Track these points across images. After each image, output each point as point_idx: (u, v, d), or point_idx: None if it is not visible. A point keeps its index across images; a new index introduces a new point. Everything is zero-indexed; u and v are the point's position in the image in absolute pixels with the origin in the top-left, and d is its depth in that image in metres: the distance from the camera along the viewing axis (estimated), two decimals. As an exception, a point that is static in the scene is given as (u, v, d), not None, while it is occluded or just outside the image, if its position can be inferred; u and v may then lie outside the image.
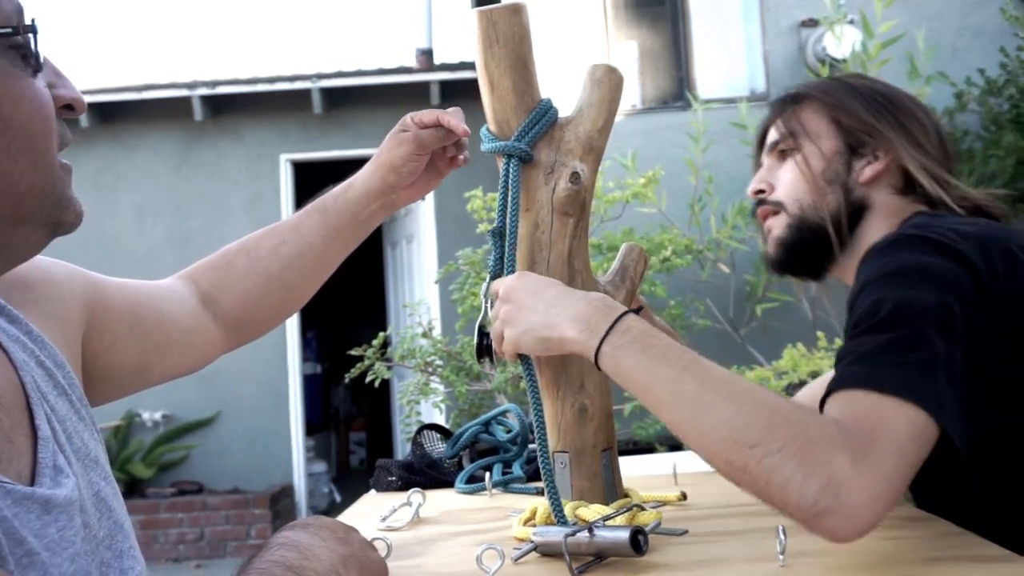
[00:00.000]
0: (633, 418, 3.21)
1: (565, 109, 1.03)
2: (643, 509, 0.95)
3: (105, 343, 0.88)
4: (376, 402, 8.21)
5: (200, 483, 6.02)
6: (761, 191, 1.20)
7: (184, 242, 6.19)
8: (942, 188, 1.10)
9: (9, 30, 0.66)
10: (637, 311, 0.91)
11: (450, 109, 1.07)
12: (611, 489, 0.98)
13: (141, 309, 0.94)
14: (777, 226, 1.18)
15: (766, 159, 1.22)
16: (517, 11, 0.98)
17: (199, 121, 6.23)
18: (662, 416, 0.84)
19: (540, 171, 0.99)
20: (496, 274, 1.00)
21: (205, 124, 6.29)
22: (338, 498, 7.12)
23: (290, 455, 6.18)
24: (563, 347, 0.90)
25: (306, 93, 6.18)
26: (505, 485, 1.29)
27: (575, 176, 0.97)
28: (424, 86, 6.16)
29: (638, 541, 0.81)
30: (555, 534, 0.84)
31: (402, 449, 6.13)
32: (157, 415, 6.06)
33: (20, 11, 0.68)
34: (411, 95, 6.20)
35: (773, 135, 1.20)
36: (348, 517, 1.17)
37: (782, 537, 0.78)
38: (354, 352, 2.86)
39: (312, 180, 6.78)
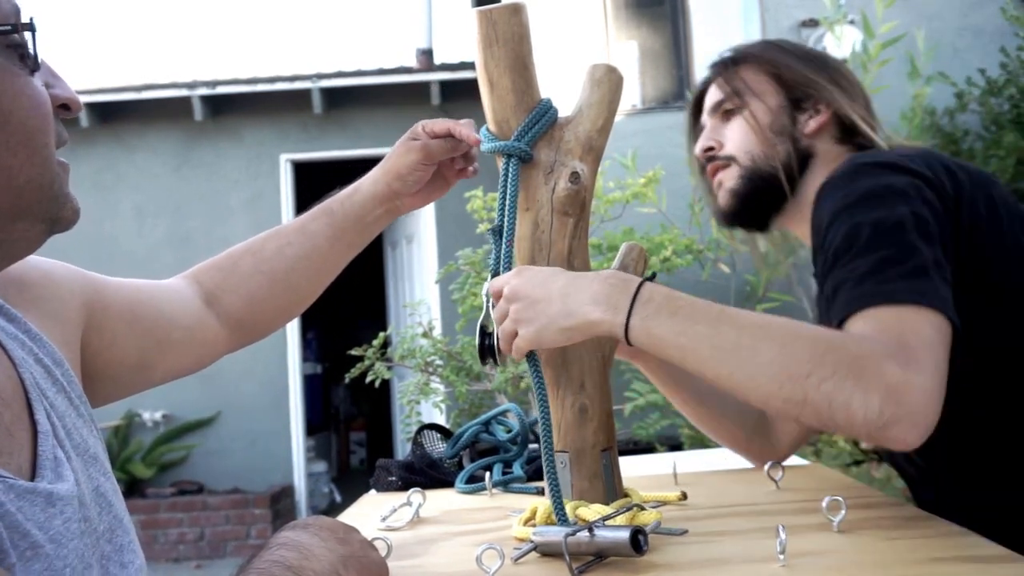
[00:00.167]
0: (633, 418, 3.21)
1: (565, 109, 1.03)
2: (643, 509, 0.95)
3: (105, 341, 0.88)
4: (376, 402, 8.21)
5: (200, 483, 6.02)
6: (710, 148, 1.24)
7: (184, 242, 6.19)
8: (876, 135, 1.19)
9: (8, 27, 0.67)
10: (651, 278, 0.92)
11: (463, 120, 1.08)
12: (611, 489, 0.98)
13: (140, 307, 0.94)
14: (729, 178, 1.22)
15: (709, 120, 1.26)
16: (517, 11, 0.98)
17: (199, 121, 6.24)
18: (707, 373, 0.85)
19: (540, 171, 0.99)
20: (496, 273, 0.99)
21: (205, 124, 6.30)
22: (338, 498, 7.12)
23: (290, 455, 6.18)
24: (589, 331, 0.90)
25: (306, 93, 6.18)
26: (505, 485, 1.29)
27: (575, 176, 0.97)
28: (424, 86, 6.16)
29: (638, 541, 0.81)
30: (555, 534, 0.84)
31: (402, 449, 6.13)
32: (157, 415, 6.06)
33: (17, 11, 0.69)
34: (411, 95, 6.20)
35: (716, 96, 1.25)
36: (348, 517, 1.17)
37: (782, 537, 0.78)
38: (354, 352, 2.86)
39: (312, 180, 6.80)
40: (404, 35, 7.59)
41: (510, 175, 0.98)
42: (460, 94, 6.08)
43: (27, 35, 0.68)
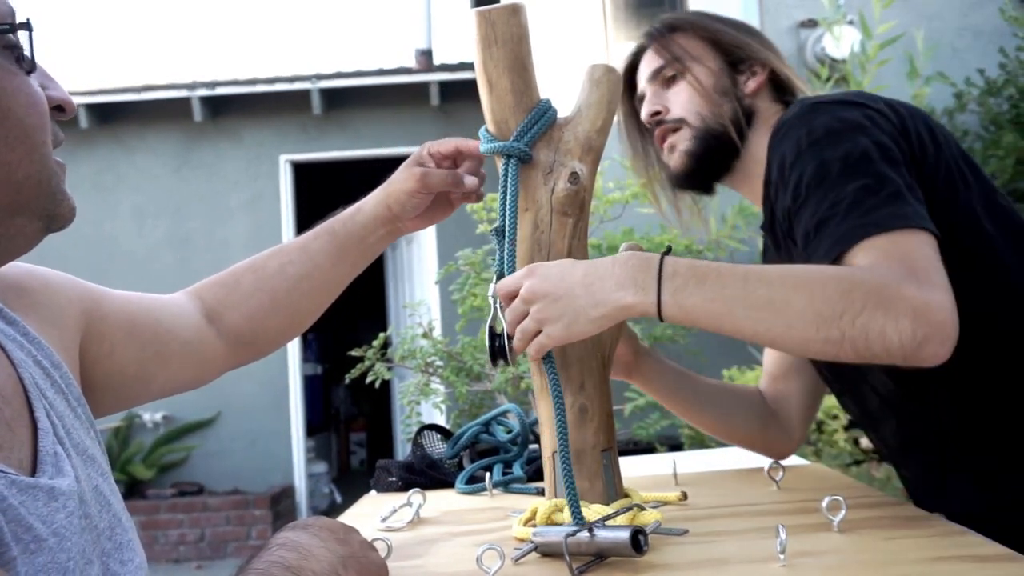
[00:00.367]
0: (633, 418, 3.21)
1: (564, 109, 1.03)
2: (643, 509, 0.95)
3: (104, 350, 0.89)
4: (376, 403, 8.21)
5: (200, 484, 6.02)
6: (657, 112, 1.26)
7: (184, 243, 6.19)
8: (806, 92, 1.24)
9: (6, 26, 0.68)
10: (668, 252, 0.92)
11: (473, 143, 1.08)
12: (611, 489, 0.98)
13: (140, 318, 0.94)
14: (681, 140, 1.24)
15: (649, 87, 1.28)
16: (516, 11, 0.98)
17: (199, 122, 6.24)
18: (744, 333, 0.88)
19: (539, 171, 0.99)
20: (502, 274, 0.99)
21: (205, 125, 6.29)
22: (338, 499, 7.12)
23: (290, 456, 6.18)
24: (620, 316, 0.91)
25: (305, 94, 6.18)
26: (505, 485, 1.29)
27: (574, 176, 0.97)
28: (423, 87, 6.16)
29: (638, 541, 0.81)
30: (555, 534, 0.84)
31: (402, 449, 6.13)
32: (157, 416, 6.06)
33: (13, 13, 0.70)
34: (410, 96, 6.20)
35: (654, 63, 1.27)
36: (348, 518, 1.17)
37: (782, 537, 0.78)
38: (354, 353, 2.86)
39: (312, 181, 6.81)
40: (403, 36, 7.59)
41: (510, 176, 0.98)
42: (459, 95, 6.08)
43: (23, 36, 0.70)
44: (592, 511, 0.92)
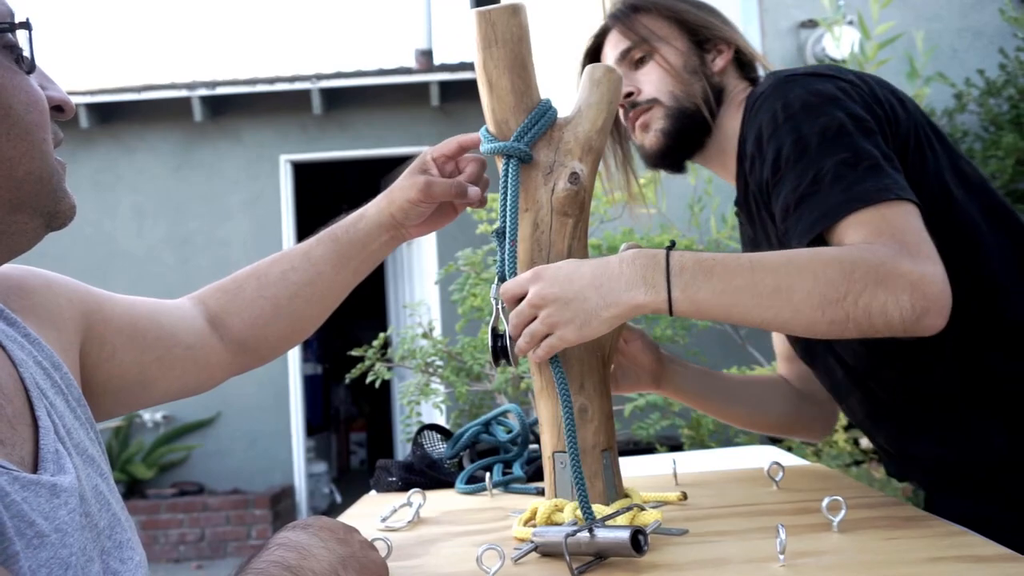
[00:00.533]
0: (633, 418, 3.21)
1: (564, 109, 1.03)
2: (643, 509, 0.95)
3: (105, 353, 0.89)
4: (376, 403, 8.21)
5: (200, 484, 6.02)
6: (630, 94, 1.27)
7: (184, 243, 6.19)
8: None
9: (6, 25, 0.69)
10: (672, 247, 0.93)
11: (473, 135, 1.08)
12: (611, 489, 0.98)
13: (142, 322, 0.94)
14: (656, 119, 1.25)
15: (618, 69, 1.27)
16: (516, 12, 0.98)
17: (199, 122, 6.24)
18: (753, 321, 0.90)
19: (539, 171, 0.99)
20: (503, 275, 0.99)
21: (205, 125, 6.29)
22: (338, 499, 7.12)
23: (290, 456, 6.18)
24: (633, 314, 0.93)
25: (306, 94, 6.18)
26: (505, 485, 1.29)
27: (574, 176, 0.97)
28: (424, 87, 6.16)
29: (638, 541, 0.81)
30: (555, 534, 0.84)
31: (402, 450, 6.13)
32: (158, 416, 6.06)
33: (12, 14, 0.71)
34: (411, 96, 6.20)
35: (622, 44, 1.28)
36: (348, 518, 1.17)
37: (782, 537, 0.78)
38: (354, 353, 2.86)
39: (312, 181, 6.81)
40: (404, 36, 7.60)
41: (510, 176, 0.98)
42: (460, 95, 6.08)
43: (23, 36, 0.70)
44: (592, 511, 0.92)
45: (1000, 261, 1.07)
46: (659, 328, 3.14)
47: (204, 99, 6.16)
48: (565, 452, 0.97)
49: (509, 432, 1.42)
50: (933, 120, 1.12)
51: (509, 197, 0.98)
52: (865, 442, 3.20)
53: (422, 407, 2.89)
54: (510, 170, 0.98)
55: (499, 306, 0.98)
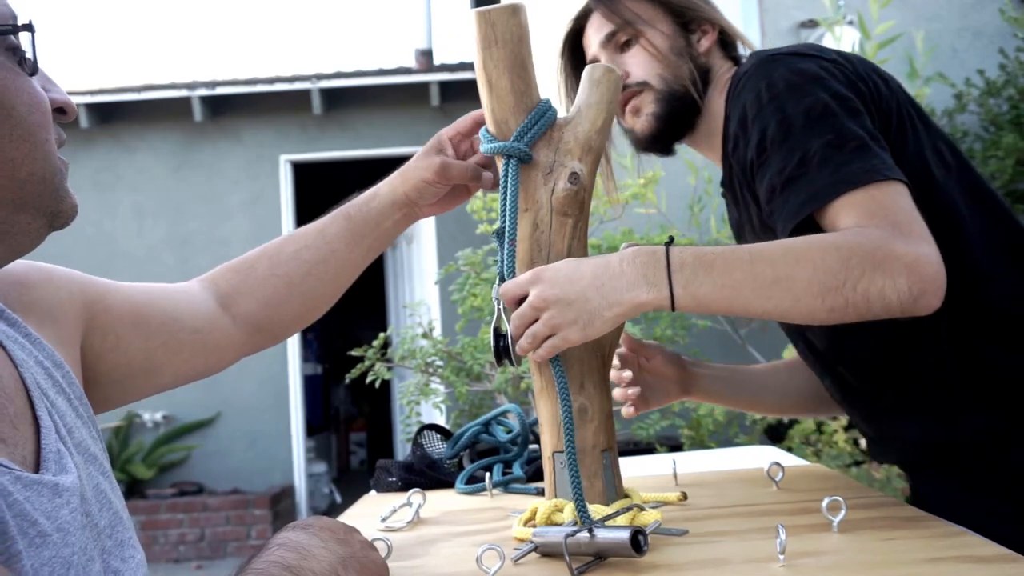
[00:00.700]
0: (633, 418, 3.21)
1: (564, 109, 1.03)
2: (643, 509, 0.95)
3: (109, 343, 0.89)
4: (376, 403, 8.21)
5: (200, 484, 6.02)
6: None
7: (184, 243, 6.19)
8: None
9: (8, 27, 0.69)
10: (670, 242, 0.94)
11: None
12: (611, 489, 0.98)
13: (146, 308, 0.94)
14: (646, 103, 1.24)
15: (602, 54, 1.27)
16: (516, 12, 0.98)
17: (199, 122, 6.24)
18: (754, 312, 0.91)
19: (539, 171, 0.99)
20: (503, 276, 0.99)
21: (204, 125, 6.29)
22: (338, 499, 7.12)
23: (290, 456, 6.18)
24: (636, 313, 0.93)
25: (306, 94, 6.18)
26: (505, 485, 1.29)
27: (574, 176, 0.97)
28: (424, 87, 6.16)
29: (638, 541, 0.81)
30: (555, 534, 0.84)
31: (402, 450, 6.13)
32: (157, 416, 6.06)
33: (14, 16, 0.71)
34: (411, 96, 6.20)
35: (606, 28, 1.26)
36: (348, 518, 1.17)
37: (782, 537, 0.78)
38: (354, 353, 2.86)
39: (312, 181, 6.81)
40: (403, 36, 7.60)
41: (510, 176, 0.98)
42: (459, 95, 6.08)
43: (25, 38, 0.70)
44: (592, 511, 0.92)
45: (978, 239, 1.07)
46: (659, 328, 3.14)
47: (204, 99, 6.16)
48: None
49: (509, 432, 1.42)
50: (933, 120, 1.12)
51: (509, 197, 0.98)
52: (865, 442, 3.20)
53: (422, 407, 2.89)
54: (510, 170, 0.98)
55: (500, 306, 0.98)
